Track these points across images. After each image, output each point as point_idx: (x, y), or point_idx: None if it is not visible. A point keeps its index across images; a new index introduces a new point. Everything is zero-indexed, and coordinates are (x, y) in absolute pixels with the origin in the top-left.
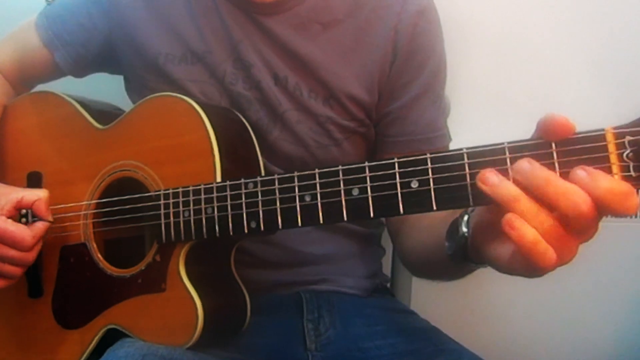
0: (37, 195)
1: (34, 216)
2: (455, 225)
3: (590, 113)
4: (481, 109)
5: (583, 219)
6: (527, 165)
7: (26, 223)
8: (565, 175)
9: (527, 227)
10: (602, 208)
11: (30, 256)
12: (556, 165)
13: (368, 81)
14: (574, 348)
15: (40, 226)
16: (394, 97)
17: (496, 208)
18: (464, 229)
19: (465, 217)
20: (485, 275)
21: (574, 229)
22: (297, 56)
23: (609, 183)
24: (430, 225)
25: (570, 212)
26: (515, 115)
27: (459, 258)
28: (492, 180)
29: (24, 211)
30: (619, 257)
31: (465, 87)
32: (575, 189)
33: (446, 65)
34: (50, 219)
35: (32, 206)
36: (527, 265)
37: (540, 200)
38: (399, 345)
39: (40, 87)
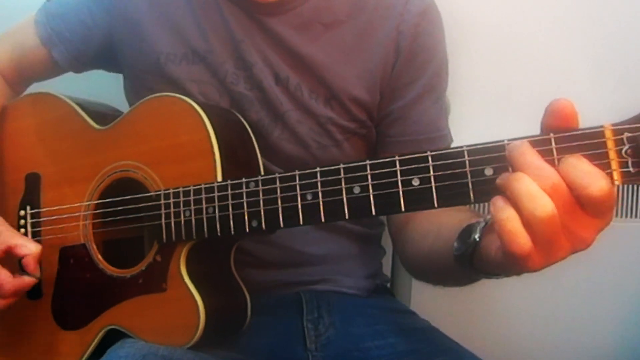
0: (29, 250)
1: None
2: (469, 229)
3: (590, 111)
4: (481, 109)
5: (556, 197)
6: (517, 143)
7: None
8: None
9: (507, 206)
10: (573, 188)
11: (1, 304)
12: (556, 162)
13: (370, 82)
14: (574, 348)
15: (25, 280)
16: (396, 97)
17: None
18: (477, 235)
19: (482, 224)
20: None
21: (562, 219)
22: (298, 56)
23: (576, 159)
24: (437, 231)
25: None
26: (515, 114)
27: (465, 262)
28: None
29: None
30: (619, 257)
31: (466, 87)
32: (543, 164)
33: (448, 65)
34: (38, 275)
35: (23, 259)
36: (505, 253)
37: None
38: (399, 345)
39: (38, 87)
